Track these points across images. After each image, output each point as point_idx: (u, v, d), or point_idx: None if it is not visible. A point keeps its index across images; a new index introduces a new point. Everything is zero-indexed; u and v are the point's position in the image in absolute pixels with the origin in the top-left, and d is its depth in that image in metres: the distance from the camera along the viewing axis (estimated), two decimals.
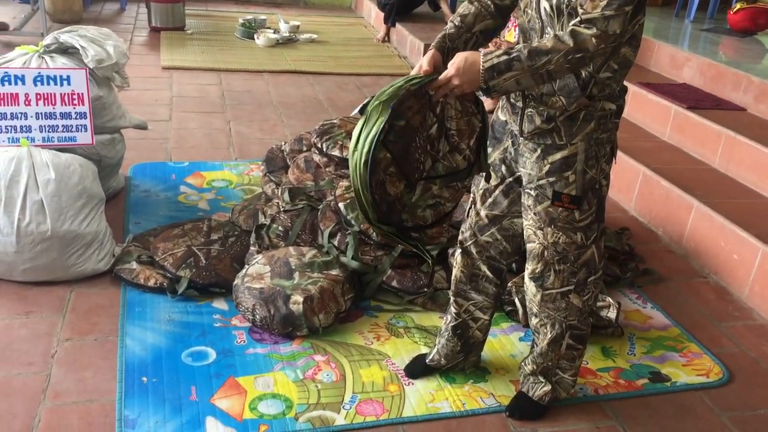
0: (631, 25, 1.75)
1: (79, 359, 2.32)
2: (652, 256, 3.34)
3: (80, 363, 2.30)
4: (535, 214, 2.01)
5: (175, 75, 5.48)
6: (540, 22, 1.85)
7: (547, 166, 1.94)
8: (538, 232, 2.02)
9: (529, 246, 2.07)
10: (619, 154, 3.84)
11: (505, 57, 1.71)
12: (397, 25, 6.93)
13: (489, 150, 2.10)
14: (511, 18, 4.31)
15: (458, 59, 1.77)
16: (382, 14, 7.11)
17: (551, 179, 1.94)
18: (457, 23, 1.96)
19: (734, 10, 6.00)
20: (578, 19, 1.69)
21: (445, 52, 1.92)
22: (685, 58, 5.02)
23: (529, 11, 1.88)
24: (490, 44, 4.98)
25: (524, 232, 2.07)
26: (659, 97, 4.43)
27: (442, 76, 1.80)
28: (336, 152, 3.11)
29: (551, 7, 1.80)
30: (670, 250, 3.43)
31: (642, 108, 4.52)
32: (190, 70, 5.63)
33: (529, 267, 2.09)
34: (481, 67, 1.72)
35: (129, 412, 2.10)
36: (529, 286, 2.12)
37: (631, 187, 3.81)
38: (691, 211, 3.38)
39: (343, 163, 3.12)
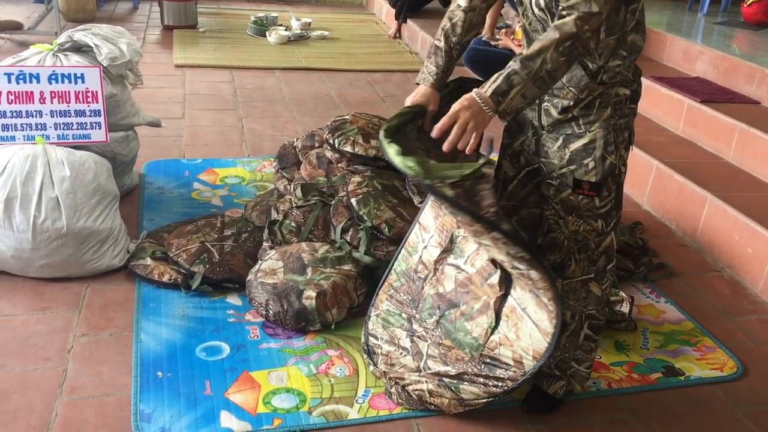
0: (630, 13, 1.82)
1: (94, 354, 2.34)
2: (665, 251, 3.32)
3: (96, 358, 2.32)
4: (556, 203, 2.03)
5: (187, 73, 5.50)
6: (540, 23, 1.89)
7: (568, 155, 1.97)
8: (560, 222, 2.04)
9: (549, 236, 2.09)
10: (633, 147, 3.83)
11: (501, 77, 1.74)
12: (408, 21, 6.93)
13: (508, 140, 2.13)
14: (518, 21, 4.29)
15: (454, 107, 1.80)
16: (393, 11, 7.11)
17: (572, 167, 1.97)
18: (453, 43, 2.00)
19: (748, 3, 5.95)
20: (561, 8, 1.72)
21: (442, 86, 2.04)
22: (698, 52, 4.99)
23: (528, 14, 1.91)
24: (503, 31, 4.96)
25: (545, 222, 2.09)
26: (672, 91, 4.40)
27: (448, 116, 1.80)
28: (348, 148, 3.12)
29: (540, 8, 1.85)
30: (683, 245, 3.42)
31: (655, 102, 4.49)
32: (203, 67, 5.66)
33: (549, 257, 2.11)
34: (481, 100, 1.75)
35: (144, 406, 2.12)
36: None
37: (645, 181, 3.79)
38: (704, 205, 3.37)
39: (355, 159, 3.13)
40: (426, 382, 2.18)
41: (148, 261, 2.77)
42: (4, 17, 6.12)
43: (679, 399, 2.37)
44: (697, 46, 5.03)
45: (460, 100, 1.80)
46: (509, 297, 2.05)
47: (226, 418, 2.10)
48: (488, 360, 2.08)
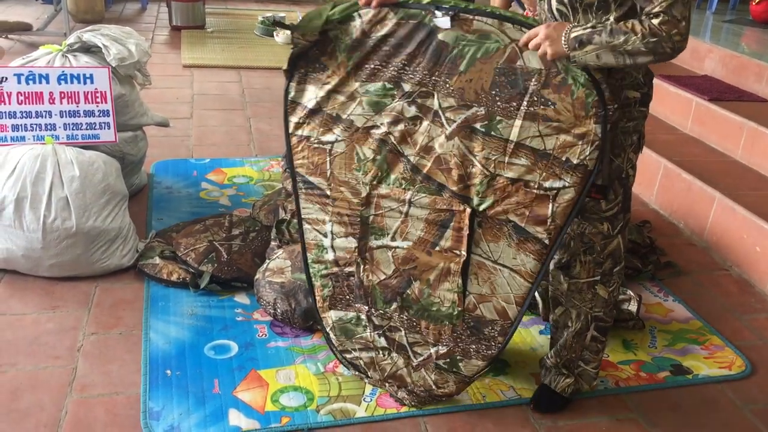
0: None
1: (104, 353, 2.36)
2: (673, 249, 3.32)
3: (105, 356, 2.34)
4: None
5: (195, 73, 5.52)
6: (554, 20, 1.87)
7: None
8: None
9: None
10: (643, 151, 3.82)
11: (589, 29, 1.75)
12: None
13: None
14: (527, 11, 4.29)
15: (545, 25, 1.81)
16: None
17: None
18: None
19: (756, 1, 5.93)
20: (644, 14, 1.74)
21: None
22: (706, 50, 4.97)
23: (544, 5, 1.91)
24: None
25: None
26: (680, 89, 4.39)
27: (532, 30, 1.81)
28: None
29: (561, 3, 1.84)
30: (691, 243, 3.41)
31: (663, 100, 4.48)
32: (211, 68, 5.67)
33: (554, 256, 2.10)
34: (565, 35, 1.76)
35: (153, 404, 2.14)
36: (556, 276, 2.13)
37: (653, 180, 3.78)
38: (713, 204, 3.36)
39: None
40: (426, 374, 2.17)
41: (157, 260, 2.78)
42: (14, 18, 6.16)
43: (687, 398, 2.37)
44: (706, 45, 5.02)
45: (553, 23, 1.81)
46: (472, 255, 2.02)
47: (235, 416, 2.12)
48: (472, 323, 2.07)
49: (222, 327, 2.52)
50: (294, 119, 2.10)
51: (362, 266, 2.15)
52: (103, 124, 2.90)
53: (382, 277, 2.14)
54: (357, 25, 1.96)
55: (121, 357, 2.34)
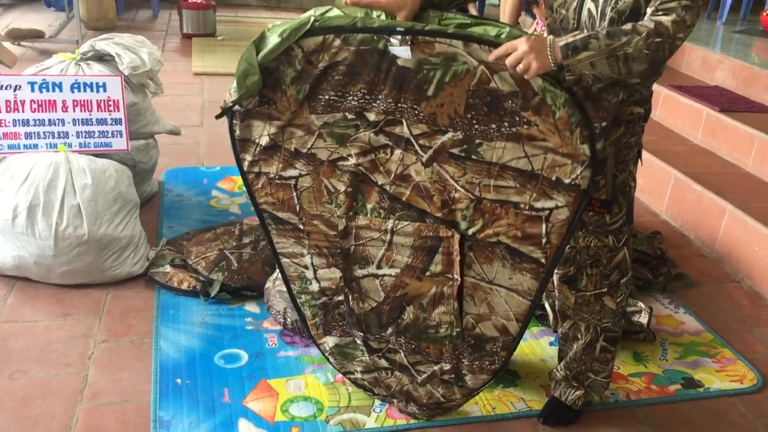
0: None
1: (115, 360, 2.36)
2: (684, 261, 3.30)
3: (116, 364, 2.35)
4: None
5: (206, 81, 5.54)
6: (575, 23, 1.85)
7: None
8: None
9: None
10: (651, 157, 3.82)
11: (581, 36, 1.64)
12: None
13: None
14: (538, 21, 4.28)
15: (521, 38, 1.66)
16: None
17: None
18: None
19: (767, 11, 5.92)
20: (653, 8, 1.68)
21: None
22: (717, 60, 4.96)
23: (563, 11, 1.88)
24: None
25: None
26: (691, 99, 4.38)
27: (510, 43, 1.65)
28: None
29: (597, 8, 1.80)
30: (702, 255, 3.40)
31: (673, 111, 4.48)
32: (221, 75, 5.69)
33: (560, 270, 2.09)
34: (550, 46, 1.63)
35: (164, 413, 2.14)
36: (562, 290, 2.12)
37: (663, 191, 3.77)
38: (723, 215, 3.34)
39: None
40: (432, 389, 2.15)
41: (168, 268, 2.79)
42: (26, 26, 6.20)
43: (698, 411, 2.35)
44: (716, 55, 5.01)
45: (532, 36, 1.66)
46: (466, 278, 1.95)
47: (245, 426, 2.12)
48: (473, 341, 2.04)
49: (232, 336, 2.53)
50: (248, 157, 1.96)
51: (350, 295, 2.05)
52: (115, 132, 2.91)
53: (373, 304, 2.05)
54: (299, 55, 1.78)
55: (132, 365, 2.35)
